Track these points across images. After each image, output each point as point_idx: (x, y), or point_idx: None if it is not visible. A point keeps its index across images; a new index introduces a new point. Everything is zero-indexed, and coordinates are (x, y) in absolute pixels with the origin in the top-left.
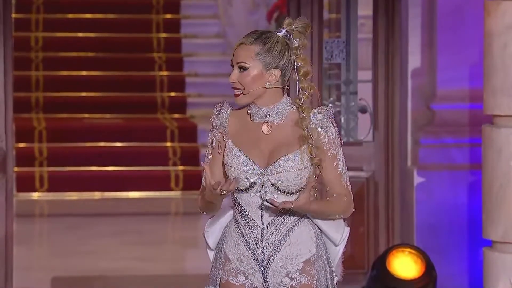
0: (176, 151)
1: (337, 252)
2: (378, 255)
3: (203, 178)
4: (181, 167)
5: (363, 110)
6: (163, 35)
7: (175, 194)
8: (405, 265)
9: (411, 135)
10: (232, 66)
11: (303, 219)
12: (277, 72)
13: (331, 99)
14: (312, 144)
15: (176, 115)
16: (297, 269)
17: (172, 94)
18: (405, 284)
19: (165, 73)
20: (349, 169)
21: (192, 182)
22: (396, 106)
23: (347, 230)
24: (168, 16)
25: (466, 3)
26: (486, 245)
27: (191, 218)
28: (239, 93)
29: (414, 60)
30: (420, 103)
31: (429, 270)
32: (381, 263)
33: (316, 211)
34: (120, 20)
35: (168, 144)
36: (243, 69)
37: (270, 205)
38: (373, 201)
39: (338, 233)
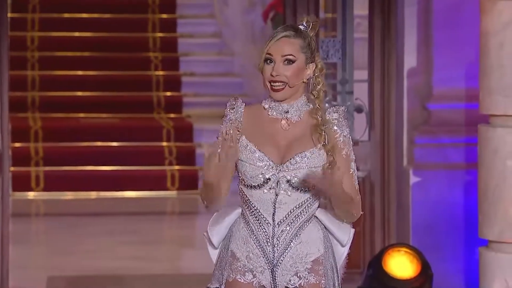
0: (172, 151)
1: (342, 254)
2: (374, 255)
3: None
4: (177, 167)
5: (359, 110)
6: (159, 34)
7: (171, 193)
8: (401, 264)
9: (407, 134)
10: (268, 60)
11: (312, 218)
12: (312, 66)
13: (327, 98)
14: (324, 132)
15: (172, 115)
16: (306, 268)
17: (168, 93)
18: (401, 284)
19: (161, 72)
20: None
21: (188, 181)
22: (392, 106)
23: (352, 231)
24: (164, 15)
25: (462, 2)
26: (482, 244)
27: (187, 218)
28: (283, 86)
29: (410, 60)
30: (416, 103)
31: (425, 269)
32: (377, 263)
33: (341, 194)
34: (116, 19)
35: (164, 143)
36: (290, 62)
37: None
38: (369, 201)
39: (346, 234)
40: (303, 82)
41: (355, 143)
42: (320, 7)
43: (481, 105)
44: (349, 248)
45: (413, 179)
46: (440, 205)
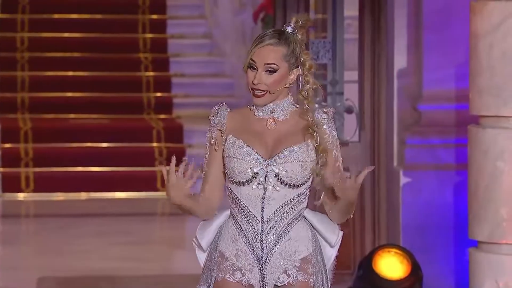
0: (162, 152)
1: (330, 256)
2: (364, 256)
3: None
4: (167, 168)
5: (349, 111)
6: (149, 35)
7: (161, 194)
8: (391, 265)
9: (397, 135)
10: (252, 66)
11: (300, 217)
12: (296, 71)
13: (317, 99)
14: (316, 132)
15: (162, 116)
16: (295, 265)
17: (158, 94)
18: (391, 285)
19: (151, 73)
20: None
21: None
22: (382, 107)
23: (340, 233)
24: (154, 16)
25: (452, 3)
26: (472, 245)
27: (177, 219)
28: (263, 93)
29: (400, 61)
30: (406, 103)
31: (415, 270)
32: (367, 264)
33: (354, 202)
34: (106, 20)
35: (154, 144)
36: (272, 70)
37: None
38: (359, 201)
39: (334, 234)
40: (286, 87)
41: (346, 144)
42: (311, 8)
43: (471, 106)
44: (338, 250)
45: (403, 179)
46: (430, 206)
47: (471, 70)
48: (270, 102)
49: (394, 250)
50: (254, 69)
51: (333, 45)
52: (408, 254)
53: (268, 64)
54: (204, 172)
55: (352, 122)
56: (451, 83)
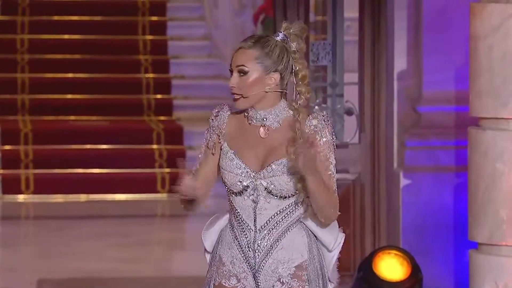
0: (162, 153)
1: (332, 257)
2: (364, 257)
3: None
4: (167, 169)
5: (349, 112)
6: (149, 37)
7: (161, 196)
8: (391, 267)
9: (397, 137)
10: (231, 71)
11: (296, 224)
12: (276, 76)
13: (317, 101)
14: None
15: (162, 117)
16: (289, 273)
17: (158, 96)
18: (391, 286)
19: (151, 75)
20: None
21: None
22: (382, 108)
23: (341, 235)
24: (154, 18)
25: (452, 5)
26: (472, 247)
27: (177, 220)
28: (238, 97)
29: (400, 62)
30: (406, 105)
31: (415, 272)
32: (367, 265)
33: (319, 180)
34: (106, 22)
35: (154, 146)
36: (242, 73)
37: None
38: (359, 203)
39: (331, 237)
40: (265, 92)
41: (345, 145)
42: (311, 9)
43: (471, 107)
44: (339, 252)
45: (403, 181)
46: (430, 208)
47: (470, 72)
48: (252, 107)
49: (394, 251)
50: (231, 73)
51: (333, 47)
52: (408, 255)
53: (238, 66)
54: (195, 169)
55: (352, 124)
56: (451, 85)
